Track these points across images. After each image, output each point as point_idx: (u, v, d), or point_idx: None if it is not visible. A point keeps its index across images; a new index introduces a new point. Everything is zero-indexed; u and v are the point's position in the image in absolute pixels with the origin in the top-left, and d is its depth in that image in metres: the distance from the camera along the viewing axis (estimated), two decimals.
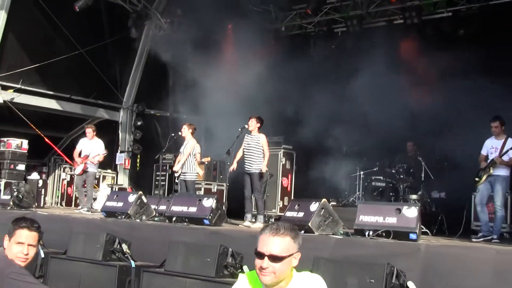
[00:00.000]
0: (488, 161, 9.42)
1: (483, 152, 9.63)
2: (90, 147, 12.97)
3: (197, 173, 11.93)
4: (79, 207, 13.28)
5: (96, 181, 16.85)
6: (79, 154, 13.02)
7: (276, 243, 3.33)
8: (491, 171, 9.29)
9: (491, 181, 9.32)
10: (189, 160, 11.58)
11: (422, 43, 14.07)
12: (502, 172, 9.32)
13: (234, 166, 10.68)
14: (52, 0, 15.58)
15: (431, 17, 14.38)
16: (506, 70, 12.17)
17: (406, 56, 14.33)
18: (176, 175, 12.03)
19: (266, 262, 3.30)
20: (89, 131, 13.21)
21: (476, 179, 9.46)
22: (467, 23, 13.57)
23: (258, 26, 15.44)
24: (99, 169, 16.42)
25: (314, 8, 15.40)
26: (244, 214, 10.54)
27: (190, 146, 11.59)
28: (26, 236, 4.24)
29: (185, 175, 11.60)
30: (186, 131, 11.75)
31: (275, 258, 3.30)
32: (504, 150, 9.25)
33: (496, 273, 6.00)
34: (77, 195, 15.20)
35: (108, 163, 17.40)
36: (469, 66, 12.38)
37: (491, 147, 9.53)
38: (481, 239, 8.94)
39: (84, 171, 12.87)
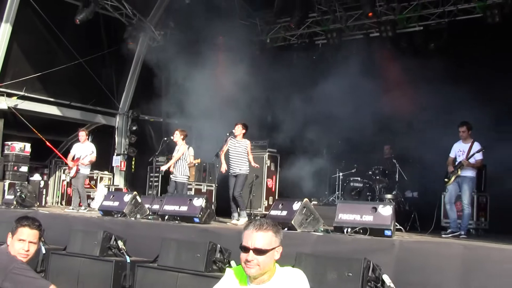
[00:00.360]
0: (456, 163, 9.51)
1: (452, 155, 9.71)
2: (82, 150, 12.86)
3: (188, 176, 11.85)
4: (71, 207, 13.16)
5: (94, 181, 16.81)
6: (73, 158, 12.94)
7: (259, 237, 3.36)
8: (459, 172, 9.38)
9: (459, 181, 9.41)
10: (180, 164, 11.48)
11: (396, 54, 14.16)
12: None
13: (225, 166, 10.62)
14: (54, 13, 15.54)
15: (404, 30, 14.49)
16: (472, 78, 12.34)
17: (381, 66, 14.41)
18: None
19: (251, 255, 3.33)
20: (82, 134, 13.11)
21: (446, 180, 9.56)
22: (437, 36, 13.72)
23: (245, 38, 15.45)
24: (97, 171, 16.38)
25: (297, 22, 15.46)
26: (231, 213, 10.53)
27: (181, 152, 11.49)
28: (27, 233, 4.24)
29: (176, 177, 11.53)
30: (177, 137, 11.61)
31: (259, 251, 3.33)
32: (471, 153, 9.34)
33: (464, 266, 6.05)
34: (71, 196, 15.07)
35: (105, 165, 17.37)
36: (439, 75, 12.56)
37: (458, 150, 9.61)
38: (450, 235, 9.02)
39: (77, 173, 12.77)
